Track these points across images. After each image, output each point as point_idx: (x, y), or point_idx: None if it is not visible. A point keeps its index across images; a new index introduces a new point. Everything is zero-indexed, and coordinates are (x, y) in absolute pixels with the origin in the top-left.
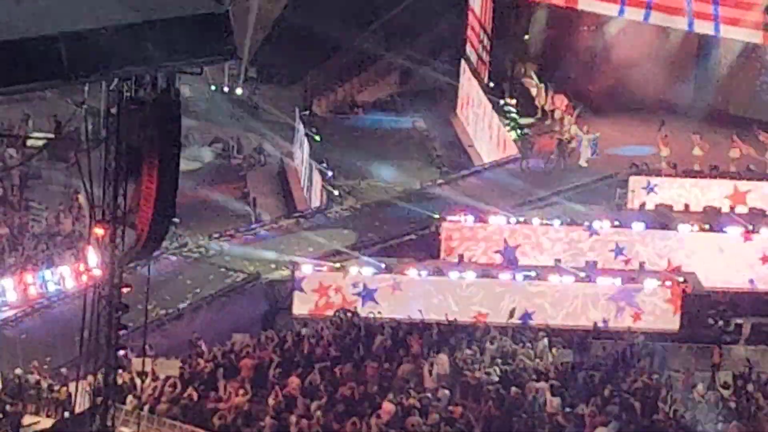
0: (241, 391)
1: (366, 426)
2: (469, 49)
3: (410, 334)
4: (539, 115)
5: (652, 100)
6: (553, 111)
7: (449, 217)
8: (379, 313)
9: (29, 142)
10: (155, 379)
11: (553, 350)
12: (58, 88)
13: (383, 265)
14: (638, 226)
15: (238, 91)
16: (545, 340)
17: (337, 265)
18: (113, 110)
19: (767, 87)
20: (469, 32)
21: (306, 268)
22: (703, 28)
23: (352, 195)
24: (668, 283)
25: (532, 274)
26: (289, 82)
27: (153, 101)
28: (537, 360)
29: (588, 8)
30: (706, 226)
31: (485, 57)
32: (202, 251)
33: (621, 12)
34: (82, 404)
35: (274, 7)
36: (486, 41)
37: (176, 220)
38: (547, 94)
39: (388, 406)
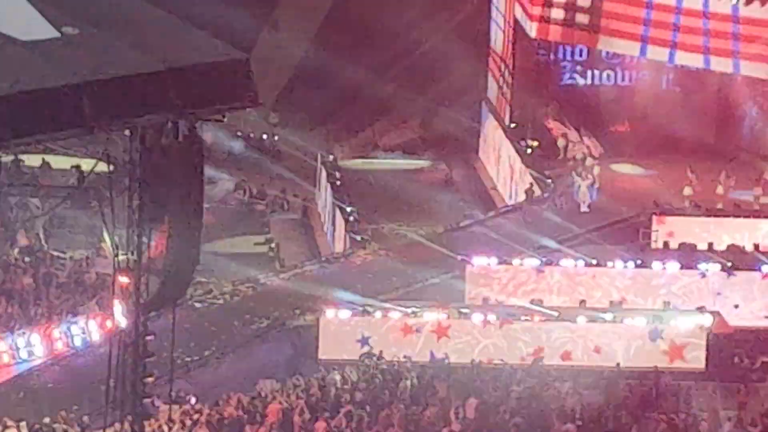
0: None
1: None
2: (490, 91)
3: (436, 378)
4: (561, 156)
5: (676, 140)
6: (575, 152)
7: (473, 260)
8: (404, 357)
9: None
10: (182, 426)
11: (579, 391)
12: (80, 137)
13: (409, 310)
14: (661, 266)
15: (261, 136)
16: (570, 382)
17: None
18: (136, 158)
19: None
20: (490, 75)
21: (330, 313)
22: (721, 65)
23: (375, 239)
24: (693, 322)
25: (557, 315)
26: (311, 127)
27: (175, 148)
28: (563, 401)
29: (607, 48)
30: (730, 265)
31: (506, 99)
32: (226, 298)
33: (643, 52)
34: None
35: (296, 53)
36: (507, 83)
37: (200, 267)
38: (567, 136)
39: None
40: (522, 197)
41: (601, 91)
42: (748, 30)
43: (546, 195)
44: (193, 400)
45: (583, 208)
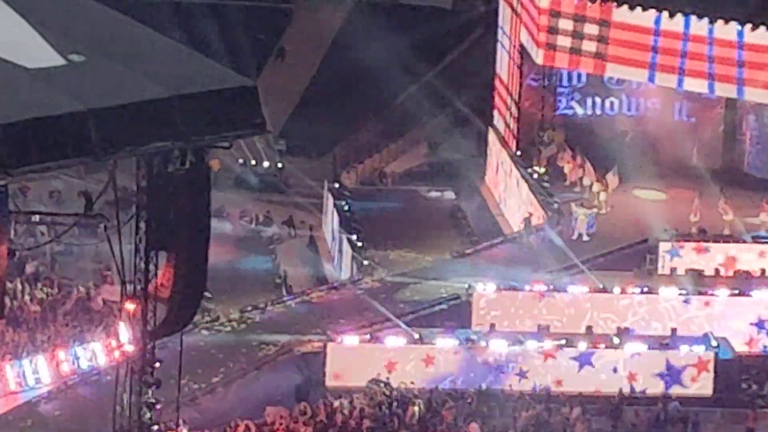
0: None
1: None
2: (496, 117)
3: (443, 404)
4: (568, 182)
5: (682, 166)
6: (581, 178)
7: (479, 286)
8: (412, 383)
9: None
10: None
11: (586, 417)
12: (87, 164)
13: (416, 335)
14: (669, 292)
15: (267, 164)
16: (579, 409)
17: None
18: (143, 185)
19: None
20: (497, 101)
21: (339, 340)
22: (726, 91)
23: (382, 266)
24: (701, 348)
25: (564, 341)
26: (317, 154)
27: (182, 175)
28: (570, 427)
29: (616, 75)
30: (737, 291)
31: (513, 125)
32: (233, 325)
33: (651, 78)
34: None
35: (302, 80)
36: (513, 110)
37: (208, 294)
38: (574, 162)
39: None
40: (520, 226)
41: (604, 118)
42: (752, 56)
43: (542, 225)
44: (184, 431)
45: (585, 238)
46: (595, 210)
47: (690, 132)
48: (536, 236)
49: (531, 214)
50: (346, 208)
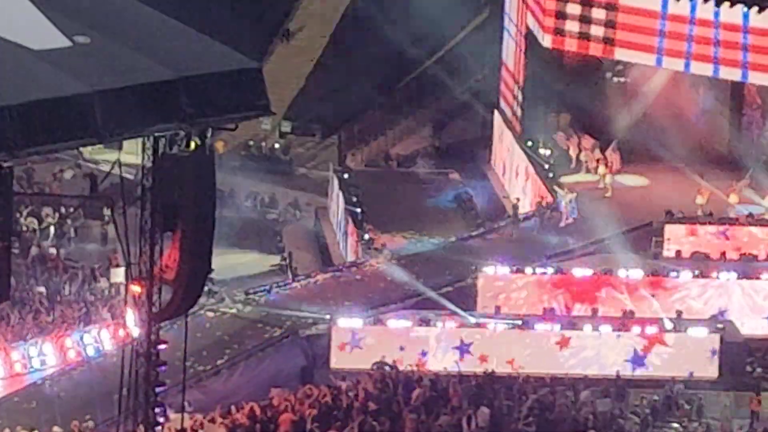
0: None
1: None
2: (502, 100)
3: (449, 386)
4: (573, 165)
5: (689, 149)
6: (586, 161)
7: (485, 269)
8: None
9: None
10: None
11: (592, 399)
12: (92, 146)
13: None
14: (674, 275)
15: (273, 145)
16: (587, 391)
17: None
18: (148, 167)
19: None
20: (502, 84)
21: (343, 322)
22: (730, 74)
23: (387, 248)
24: (706, 331)
25: (569, 323)
26: (323, 136)
27: (187, 157)
28: (576, 410)
29: (625, 59)
30: (743, 274)
31: (518, 109)
32: (239, 307)
33: (659, 62)
34: None
35: (308, 61)
36: (518, 92)
37: (213, 276)
38: (580, 145)
39: None
40: (527, 209)
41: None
42: (757, 40)
43: (529, 213)
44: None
45: (562, 223)
46: (575, 194)
47: (696, 113)
48: (524, 223)
49: (518, 200)
50: (351, 190)
